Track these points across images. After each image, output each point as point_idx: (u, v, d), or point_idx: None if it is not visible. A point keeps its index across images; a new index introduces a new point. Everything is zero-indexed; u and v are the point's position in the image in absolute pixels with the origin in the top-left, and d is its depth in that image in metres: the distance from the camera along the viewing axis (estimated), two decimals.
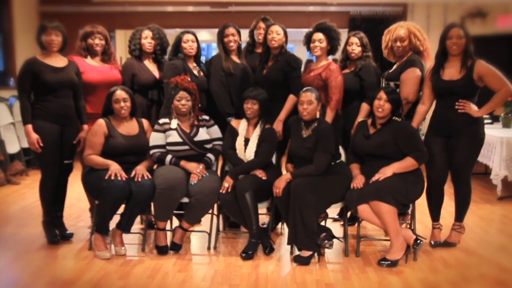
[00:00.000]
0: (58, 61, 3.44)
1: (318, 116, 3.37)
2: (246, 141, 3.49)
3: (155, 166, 3.61)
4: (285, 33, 3.70)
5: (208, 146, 3.52)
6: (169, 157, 3.42)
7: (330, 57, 3.77)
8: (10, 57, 6.58)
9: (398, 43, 3.54)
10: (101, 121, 3.43)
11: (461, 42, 3.27)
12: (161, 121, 3.51)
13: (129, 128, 3.49)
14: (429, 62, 3.55)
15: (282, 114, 3.62)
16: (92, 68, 3.69)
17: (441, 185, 3.47)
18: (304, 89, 3.39)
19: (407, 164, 3.21)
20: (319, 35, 3.62)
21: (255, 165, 3.43)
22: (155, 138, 3.46)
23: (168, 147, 3.44)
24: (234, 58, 3.84)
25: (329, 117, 3.54)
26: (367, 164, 3.38)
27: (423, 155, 3.24)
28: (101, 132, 3.39)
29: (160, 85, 3.80)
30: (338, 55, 3.97)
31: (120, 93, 3.42)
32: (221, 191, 3.33)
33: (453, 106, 3.30)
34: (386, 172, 3.18)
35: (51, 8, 6.95)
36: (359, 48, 3.76)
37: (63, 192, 3.66)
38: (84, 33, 3.73)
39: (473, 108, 3.28)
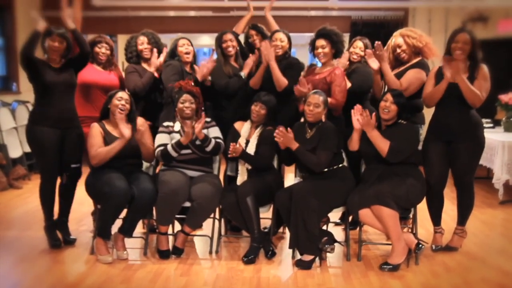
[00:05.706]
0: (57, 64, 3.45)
1: (323, 120, 3.38)
2: (247, 142, 3.52)
3: (157, 170, 3.63)
4: (289, 39, 3.76)
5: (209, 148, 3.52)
6: (169, 146, 3.40)
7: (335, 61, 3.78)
8: (12, 62, 6.55)
9: (398, 50, 3.57)
10: (95, 124, 3.42)
11: (466, 47, 3.24)
12: (165, 123, 3.54)
13: None
14: (432, 56, 3.57)
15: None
16: (90, 68, 3.72)
17: (441, 191, 3.46)
18: (314, 91, 3.40)
19: (382, 144, 3.22)
20: (321, 42, 3.63)
21: (256, 161, 3.46)
22: (160, 139, 3.47)
23: None
24: (233, 63, 3.89)
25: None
26: (369, 168, 3.39)
27: (397, 153, 3.21)
28: (98, 133, 3.37)
29: (159, 86, 3.84)
30: None
31: (124, 93, 3.45)
32: (229, 152, 3.35)
33: (453, 110, 3.29)
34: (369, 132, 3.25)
35: (53, 13, 6.87)
36: (362, 53, 3.79)
37: (71, 196, 3.63)
38: (92, 41, 3.79)
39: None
